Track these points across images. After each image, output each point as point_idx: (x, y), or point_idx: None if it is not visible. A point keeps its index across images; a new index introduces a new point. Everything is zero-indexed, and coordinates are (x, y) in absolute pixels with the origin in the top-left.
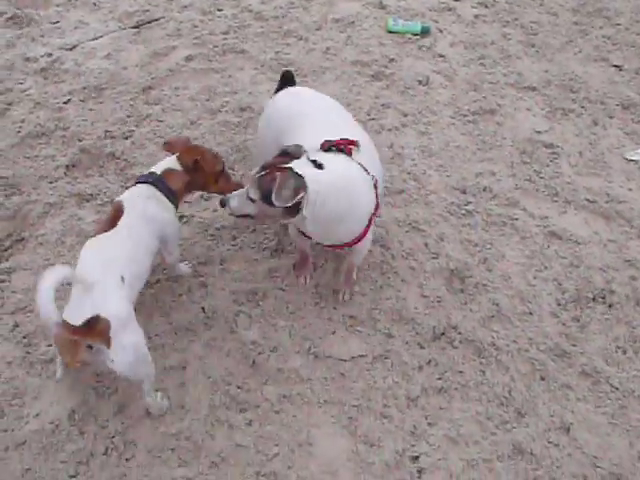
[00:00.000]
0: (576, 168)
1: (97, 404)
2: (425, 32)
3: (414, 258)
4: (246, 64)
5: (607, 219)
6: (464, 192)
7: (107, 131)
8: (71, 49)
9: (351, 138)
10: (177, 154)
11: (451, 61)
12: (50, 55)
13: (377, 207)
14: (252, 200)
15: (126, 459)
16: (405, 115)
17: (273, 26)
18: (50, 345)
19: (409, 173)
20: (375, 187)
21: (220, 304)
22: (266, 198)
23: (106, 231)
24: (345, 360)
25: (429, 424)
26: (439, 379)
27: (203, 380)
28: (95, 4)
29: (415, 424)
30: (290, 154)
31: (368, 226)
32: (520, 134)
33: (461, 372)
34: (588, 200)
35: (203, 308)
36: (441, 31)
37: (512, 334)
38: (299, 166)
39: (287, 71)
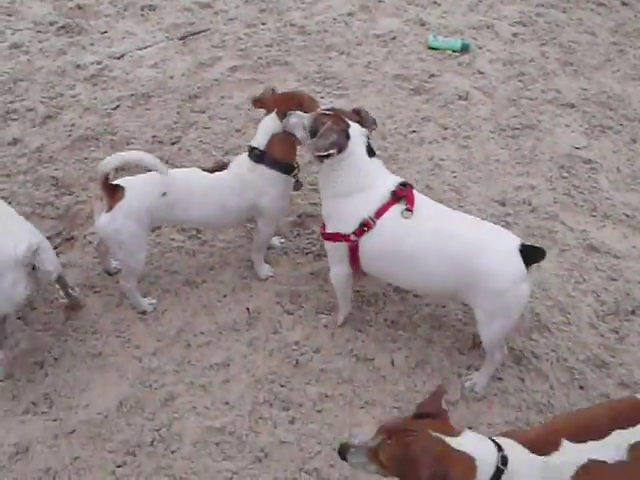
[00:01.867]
0: (614, 184)
1: (144, 397)
2: (465, 49)
3: None
4: (289, 76)
5: None
6: (503, 204)
7: (154, 136)
8: (119, 58)
9: None
10: (274, 110)
11: (490, 77)
12: (99, 63)
13: (366, 225)
14: (304, 127)
15: (172, 451)
16: (445, 129)
17: (315, 40)
18: (97, 340)
19: (449, 185)
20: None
21: (264, 305)
22: (311, 132)
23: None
24: (386, 363)
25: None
26: None
27: (247, 378)
28: (143, 15)
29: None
30: (361, 116)
31: (341, 237)
32: (559, 149)
33: (500, 379)
34: (626, 215)
35: (248, 309)
36: (480, 48)
37: (551, 343)
38: (355, 131)
39: None
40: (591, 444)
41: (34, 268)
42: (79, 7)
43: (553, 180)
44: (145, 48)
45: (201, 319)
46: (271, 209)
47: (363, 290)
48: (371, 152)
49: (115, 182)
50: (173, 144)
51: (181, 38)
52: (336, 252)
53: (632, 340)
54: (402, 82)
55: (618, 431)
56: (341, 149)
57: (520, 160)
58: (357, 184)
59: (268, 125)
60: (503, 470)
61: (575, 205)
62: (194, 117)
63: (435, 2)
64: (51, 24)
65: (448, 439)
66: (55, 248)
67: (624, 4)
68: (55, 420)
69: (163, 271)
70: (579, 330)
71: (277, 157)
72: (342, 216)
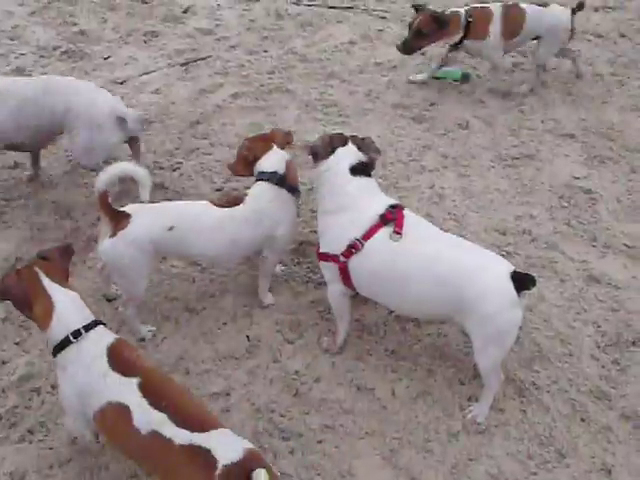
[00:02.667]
0: (614, 214)
1: None
2: (465, 78)
3: None
4: (291, 103)
5: None
6: (504, 234)
7: (156, 162)
8: (122, 83)
9: None
10: (274, 145)
11: (490, 107)
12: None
13: (354, 247)
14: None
15: None
16: (445, 157)
17: (317, 68)
18: None
19: (449, 213)
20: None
21: (264, 333)
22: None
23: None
24: (387, 393)
25: (470, 459)
26: None
27: (247, 407)
28: (145, 42)
29: (456, 459)
30: (364, 142)
31: (330, 259)
32: (559, 179)
33: (502, 410)
34: (627, 245)
35: (248, 337)
36: (480, 77)
37: (553, 375)
38: (344, 150)
39: None
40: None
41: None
42: (82, 33)
43: (553, 210)
44: (147, 74)
45: (201, 347)
46: (285, 238)
47: (363, 319)
48: (358, 172)
49: (122, 208)
50: (174, 170)
51: (183, 64)
52: (328, 271)
53: (634, 371)
54: (403, 111)
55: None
56: (317, 158)
57: (520, 189)
58: (339, 201)
59: (280, 153)
60: (70, 341)
61: (575, 235)
62: (195, 143)
63: None
64: (54, 49)
65: (45, 279)
66: None
67: (622, 36)
68: (51, 448)
69: (163, 298)
70: (580, 361)
71: (292, 181)
72: (331, 235)
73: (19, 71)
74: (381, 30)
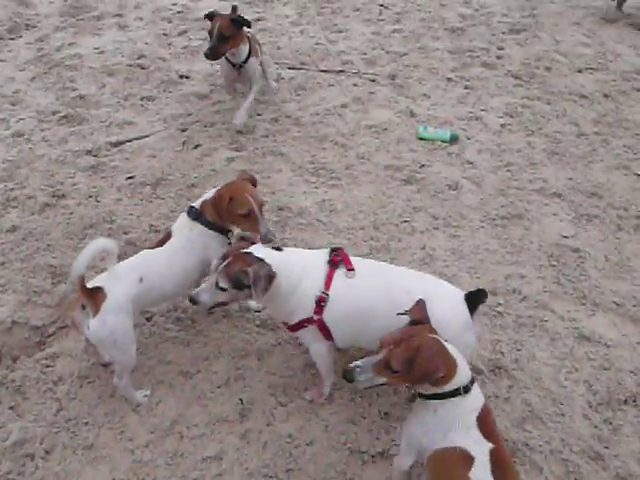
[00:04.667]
0: (603, 272)
1: None
2: (454, 139)
3: None
4: (284, 166)
5: (635, 322)
6: (494, 294)
7: (152, 225)
8: (119, 147)
9: None
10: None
11: (479, 167)
12: (99, 152)
13: (321, 300)
14: (223, 289)
15: None
16: (436, 218)
17: (310, 131)
18: (90, 431)
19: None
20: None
21: (257, 396)
22: (236, 285)
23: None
24: (381, 456)
25: None
26: None
27: (240, 471)
28: (142, 106)
29: None
30: (246, 239)
31: (306, 322)
32: (547, 238)
33: None
34: (616, 303)
35: (241, 400)
36: (469, 139)
37: (545, 435)
38: (261, 251)
39: None
40: None
41: None
42: (81, 97)
43: (542, 269)
44: (144, 138)
45: (195, 410)
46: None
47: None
48: (279, 249)
49: (90, 285)
50: None
51: (179, 129)
52: (307, 334)
53: (626, 431)
54: (394, 172)
55: None
56: (273, 275)
57: (509, 249)
58: (293, 276)
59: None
60: (459, 393)
61: (565, 294)
62: None
63: (425, 94)
64: (53, 113)
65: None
66: (49, 336)
67: (605, 96)
68: None
69: (157, 361)
70: (572, 421)
71: (210, 218)
72: (299, 306)
73: (18, 135)
74: (372, 93)
